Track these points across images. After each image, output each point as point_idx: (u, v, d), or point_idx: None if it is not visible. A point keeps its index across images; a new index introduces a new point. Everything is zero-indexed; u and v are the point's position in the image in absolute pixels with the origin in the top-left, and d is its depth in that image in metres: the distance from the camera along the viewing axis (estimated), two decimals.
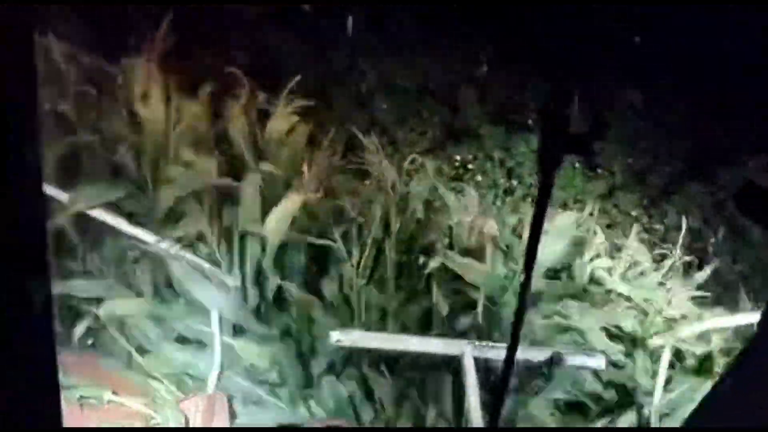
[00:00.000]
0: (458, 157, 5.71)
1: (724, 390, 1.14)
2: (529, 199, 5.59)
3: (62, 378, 3.30)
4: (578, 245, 4.18)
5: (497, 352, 3.55)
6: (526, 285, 1.76)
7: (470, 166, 5.73)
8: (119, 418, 3.42)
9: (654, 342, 3.54)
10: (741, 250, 5.77)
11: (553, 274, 4.14)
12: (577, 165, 6.03)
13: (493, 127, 6.06)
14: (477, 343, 3.62)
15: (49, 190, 3.43)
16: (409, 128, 5.84)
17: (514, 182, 5.88)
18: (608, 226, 5.74)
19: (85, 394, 3.41)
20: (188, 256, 3.46)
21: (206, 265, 3.51)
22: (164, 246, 3.45)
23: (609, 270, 4.10)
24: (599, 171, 6.22)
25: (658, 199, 6.23)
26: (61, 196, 3.53)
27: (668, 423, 3.59)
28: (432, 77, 6.31)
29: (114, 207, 3.65)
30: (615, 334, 3.79)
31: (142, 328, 3.56)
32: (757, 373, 1.01)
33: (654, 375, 3.54)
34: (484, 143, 5.98)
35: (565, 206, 5.94)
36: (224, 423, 3.33)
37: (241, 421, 3.48)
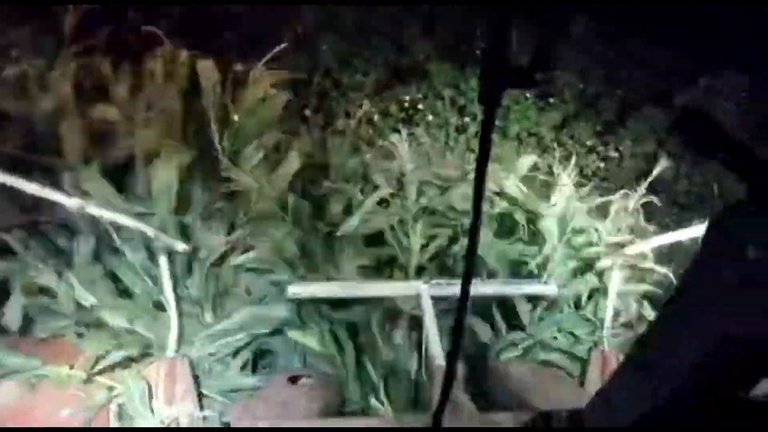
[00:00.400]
0: (407, 98, 5.65)
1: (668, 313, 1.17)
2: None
3: (16, 359, 3.29)
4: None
5: (455, 290, 3.61)
6: (476, 218, 1.74)
7: (420, 106, 5.69)
8: (77, 393, 3.43)
9: (602, 264, 3.65)
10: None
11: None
12: (528, 96, 6.03)
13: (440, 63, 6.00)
14: (434, 281, 3.68)
15: None
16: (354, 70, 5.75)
17: (467, 119, 5.88)
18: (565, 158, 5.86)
19: (43, 373, 3.40)
20: (136, 223, 3.39)
21: (153, 231, 3.46)
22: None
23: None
24: (552, 101, 6.25)
25: (612, 127, 6.33)
26: None
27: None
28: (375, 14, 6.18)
29: None
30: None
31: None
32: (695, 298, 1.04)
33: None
34: (432, 81, 5.93)
35: (519, 139, 6.01)
36: (187, 386, 3.36)
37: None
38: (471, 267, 1.95)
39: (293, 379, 3.51)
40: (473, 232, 1.86)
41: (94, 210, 3.19)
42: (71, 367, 3.41)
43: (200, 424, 3.30)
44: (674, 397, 1.03)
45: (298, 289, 3.59)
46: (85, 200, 3.13)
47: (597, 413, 1.40)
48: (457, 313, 2.13)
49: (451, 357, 2.27)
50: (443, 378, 2.38)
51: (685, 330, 1.03)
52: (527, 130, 5.97)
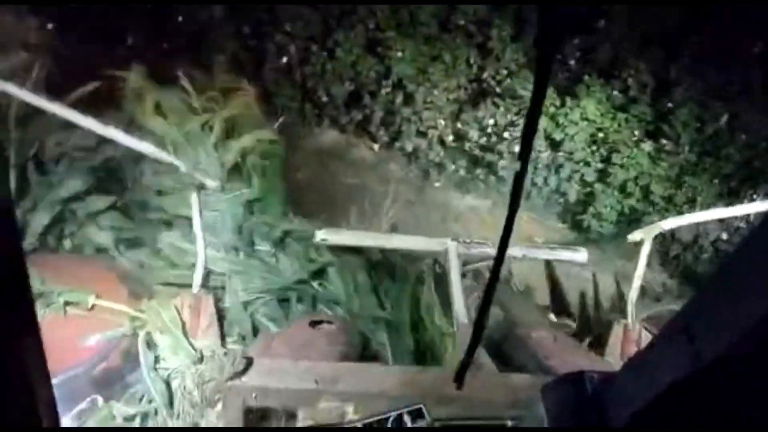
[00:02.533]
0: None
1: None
2: None
3: (43, 285, 3.49)
4: None
5: (482, 250, 3.79)
6: (523, 169, 1.66)
7: None
8: (105, 320, 3.65)
9: (633, 237, 3.79)
10: None
11: None
12: None
13: None
14: (461, 240, 3.84)
15: None
16: None
17: None
18: None
19: (70, 299, 3.61)
20: (169, 157, 3.55)
21: (183, 167, 3.61)
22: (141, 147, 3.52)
23: None
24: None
25: None
26: None
27: None
28: None
29: None
30: None
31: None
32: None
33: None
34: None
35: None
36: (211, 321, 3.58)
37: None
38: (510, 226, 1.86)
39: (314, 323, 3.73)
40: (517, 185, 1.87)
41: (130, 141, 3.36)
42: (98, 296, 3.65)
43: (222, 360, 3.53)
44: (718, 361, 1.06)
45: (327, 235, 3.76)
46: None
47: (631, 376, 1.40)
48: (491, 274, 2.19)
49: (479, 317, 2.39)
50: (471, 336, 2.50)
51: (737, 295, 1.06)
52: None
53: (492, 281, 2.24)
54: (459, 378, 2.74)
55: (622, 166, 6.69)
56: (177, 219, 3.87)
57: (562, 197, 7.16)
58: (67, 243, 3.93)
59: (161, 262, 3.91)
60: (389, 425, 3.25)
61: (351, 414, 3.51)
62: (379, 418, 3.19)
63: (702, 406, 1.19)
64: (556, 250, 3.90)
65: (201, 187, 3.65)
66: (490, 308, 2.32)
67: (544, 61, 1.45)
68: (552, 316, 4.85)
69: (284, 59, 6.92)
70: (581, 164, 6.91)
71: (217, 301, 3.71)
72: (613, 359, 3.87)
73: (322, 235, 3.75)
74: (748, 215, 4.29)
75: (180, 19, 6.78)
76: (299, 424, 3.48)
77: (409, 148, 7.11)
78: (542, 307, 5.13)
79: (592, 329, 4.56)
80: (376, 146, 7.31)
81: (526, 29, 6.58)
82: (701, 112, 6.70)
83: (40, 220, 3.82)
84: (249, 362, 3.46)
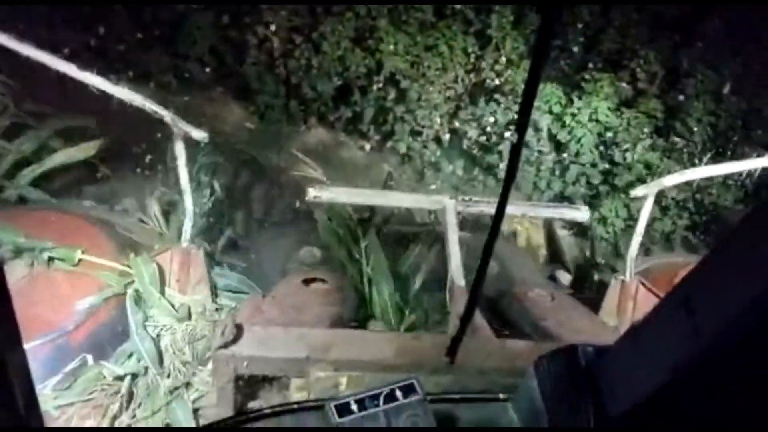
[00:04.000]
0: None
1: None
2: None
3: (27, 240, 4.00)
4: None
5: (480, 208, 4.37)
6: (521, 134, 1.88)
7: None
8: (91, 276, 4.13)
9: (636, 192, 4.38)
10: None
11: None
12: None
13: None
14: (460, 197, 4.42)
15: None
16: None
17: None
18: None
19: (55, 255, 4.11)
20: (152, 105, 4.09)
21: (170, 116, 4.15)
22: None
23: None
24: None
25: None
26: None
27: None
28: None
29: None
30: None
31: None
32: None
33: None
34: None
35: None
36: (201, 274, 4.10)
37: None
38: (509, 184, 2.03)
39: (307, 282, 4.24)
40: (515, 150, 1.92)
41: (113, 89, 3.93)
42: (83, 252, 4.15)
43: (213, 315, 4.04)
44: (717, 336, 1.15)
45: (319, 192, 4.32)
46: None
47: (627, 352, 1.49)
48: (488, 236, 2.26)
49: (475, 283, 2.50)
50: (464, 310, 2.87)
51: (739, 267, 1.14)
52: None
53: (487, 248, 2.34)
54: (451, 352, 3.08)
55: (629, 167, 7.24)
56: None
57: (566, 201, 7.64)
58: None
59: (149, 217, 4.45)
60: (381, 401, 3.71)
61: (344, 386, 3.99)
62: (370, 393, 3.66)
63: (699, 392, 1.28)
64: (557, 207, 4.47)
65: (187, 139, 4.20)
66: (484, 277, 2.45)
67: (546, 22, 1.62)
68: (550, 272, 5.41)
69: (266, 53, 7.53)
70: (587, 166, 7.48)
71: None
72: (610, 316, 4.43)
73: (314, 193, 4.31)
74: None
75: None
76: (292, 392, 3.93)
77: (403, 148, 7.68)
78: (540, 262, 5.68)
79: (589, 285, 5.12)
80: (367, 146, 7.87)
81: (528, 16, 7.24)
82: (715, 106, 7.34)
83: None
84: (239, 331, 3.94)
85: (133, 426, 3.77)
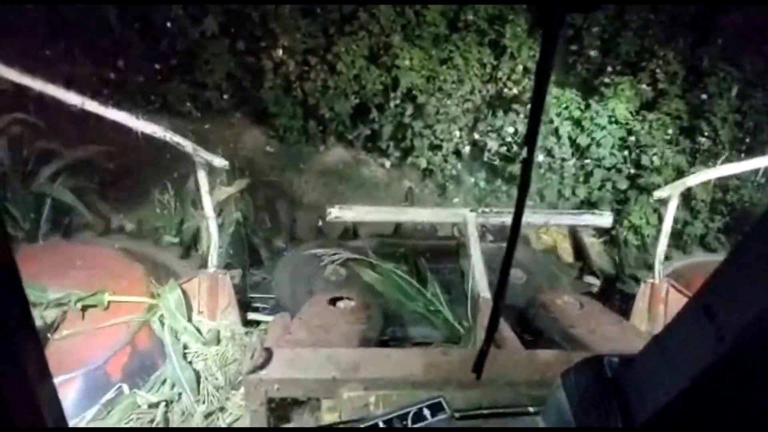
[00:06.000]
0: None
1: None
2: None
3: (55, 293, 4.08)
4: None
5: (501, 218, 4.40)
6: (531, 148, 1.79)
7: None
8: (121, 311, 4.23)
9: (659, 193, 4.38)
10: None
11: None
12: None
13: None
14: (480, 209, 4.47)
15: None
16: None
17: None
18: None
19: (86, 303, 4.13)
20: (174, 137, 4.22)
21: (191, 146, 4.27)
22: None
23: None
24: None
25: None
26: None
27: None
28: None
29: None
30: None
31: None
32: None
33: None
34: None
35: None
36: (229, 299, 4.18)
37: None
38: (523, 197, 1.88)
39: (333, 301, 4.30)
40: (527, 162, 1.81)
41: (135, 122, 4.06)
42: (111, 294, 4.22)
43: (243, 338, 4.12)
44: (738, 341, 1.16)
45: (340, 212, 4.39)
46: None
47: (652, 361, 1.50)
48: (507, 248, 2.45)
49: (497, 296, 2.65)
50: (488, 324, 2.88)
51: (756, 271, 1.15)
52: None
53: (507, 260, 2.55)
54: (478, 368, 3.11)
55: (655, 170, 7.22)
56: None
57: (593, 209, 7.61)
58: None
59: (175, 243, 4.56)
60: (409, 421, 3.73)
61: (373, 405, 4.02)
62: (399, 413, 3.67)
63: (724, 398, 1.30)
64: (580, 214, 4.50)
65: (209, 167, 4.32)
66: (506, 289, 2.59)
67: (547, 42, 1.50)
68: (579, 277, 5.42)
69: (282, 76, 7.66)
70: (612, 171, 7.48)
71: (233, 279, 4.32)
72: (641, 320, 4.42)
73: (336, 213, 4.38)
74: None
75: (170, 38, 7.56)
76: (323, 414, 3.98)
77: (423, 163, 7.75)
78: (567, 267, 5.69)
79: (619, 291, 5.12)
80: (387, 162, 7.94)
81: None
82: (740, 103, 7.32)
83: None
84: (269, 354, 4.00)
85: None
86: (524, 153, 1.76)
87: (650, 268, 4.51)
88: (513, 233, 2.07)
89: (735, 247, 1.26)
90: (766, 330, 1.14)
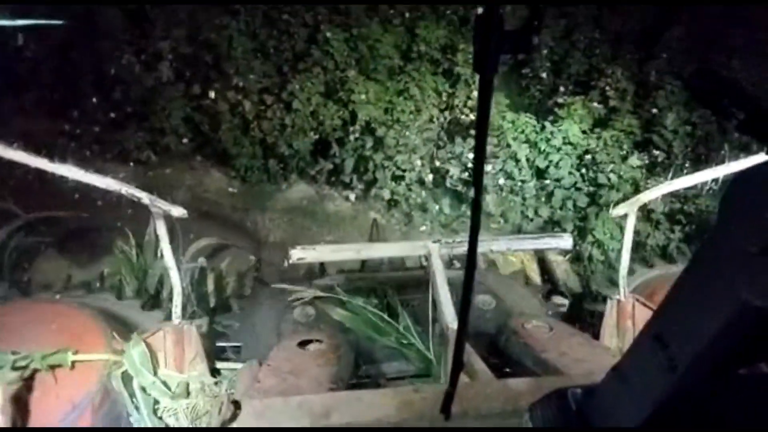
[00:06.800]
0: None
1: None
2: None
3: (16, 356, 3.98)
4: None
5: (465, 248, 4.40)
6: (478, 190, 1.94)
7: None
8: (86, 370, 4.14)
9: (616, 212, 4.44)
10: None
11: None
12: None
13: None
14: (444, 240, 4.48)
15: None
16: None
17: None
18: None
19: (50, 362, 4.08)
20: (129, 189, 4.15)
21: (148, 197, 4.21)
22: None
23: None
24: None
25: None
26: None
27: None
28: None
29: None
30: None
31: None
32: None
33: None
34: None
35: None
36: (196, 350, 4.11)
37: None
38: (476, 231, 2.03)
39: (303, 344, 4.26)
40: (476, 200, 2.01)
41: (88, 177, 3.99)
42: (75, 353, 4.12)
43: (213, 389, 4.04)
44: (690, 369, 1.18)
45: (303, 254, 4.37)
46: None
47: (613, 391, 1.53)
48: (464, 278, 2.23)
49: (460, 330, 2.55)
50: (452, 365, 2.87)
51: (703, 299, 1.18)
52: None
53: (466, 291, 2.31)
54: (446, 409, 3.04)
55: (612, 186, 7.33)
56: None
57: (557, 227, 7.75)
58: None
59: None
60: None
61: None
62: None
63: (685, 427, 1.34)
64: (540, 238, 4.53)
65: (167, 217, 4.26)
66: (467, 322, 2.45)
67: (484, 86, 1.67)
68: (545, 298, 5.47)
69: (240, 117, 7.68)
70: (572, 190, 7.60)
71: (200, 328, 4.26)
72: (611, 338, 4.45)
73: (298, 254, 4.36)
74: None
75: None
76: None
77: (387, 194, 7.80)
78: (534, 289, 5.72)
79: (587, 310, 5.16)
80: (352, 195, 7.96)
81: None
82: (689, 114, 7.51)
83: None
84: (237, 407, 3.95)
85: None
86: (473, 193, 1.82)
87: (616, 284, 4.54)
88: (469, 269, 2.15)
89: (682, 275, 1.27)
90: (717, 359, 1.16)
